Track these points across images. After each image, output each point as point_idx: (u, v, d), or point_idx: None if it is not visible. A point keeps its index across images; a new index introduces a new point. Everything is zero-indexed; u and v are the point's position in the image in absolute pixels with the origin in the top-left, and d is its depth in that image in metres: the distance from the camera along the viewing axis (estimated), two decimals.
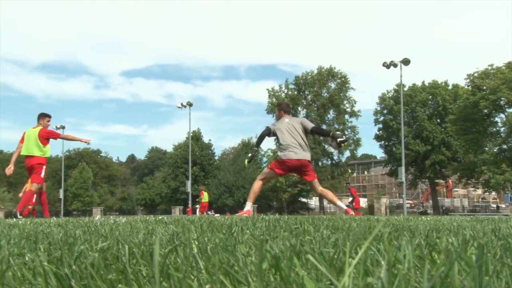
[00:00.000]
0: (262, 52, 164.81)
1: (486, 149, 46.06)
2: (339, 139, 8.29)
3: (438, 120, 53.53)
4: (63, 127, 43.79)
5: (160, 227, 3.17)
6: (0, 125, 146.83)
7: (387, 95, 55.67)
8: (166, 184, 66.88)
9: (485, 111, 44.20)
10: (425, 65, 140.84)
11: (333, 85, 57.39)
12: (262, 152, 60.04)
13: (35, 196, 10.39)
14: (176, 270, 0.94)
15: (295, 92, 58.21)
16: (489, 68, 44.75)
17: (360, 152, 64.80)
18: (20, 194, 17.67)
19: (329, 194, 9.03)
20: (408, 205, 55.67)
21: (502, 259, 1.25)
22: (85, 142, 10.79)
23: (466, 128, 45.29)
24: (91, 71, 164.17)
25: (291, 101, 57.42)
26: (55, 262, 1.24)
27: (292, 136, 8.31)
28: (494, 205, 70.89)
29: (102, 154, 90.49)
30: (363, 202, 69.40)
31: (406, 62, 36.26)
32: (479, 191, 74.75)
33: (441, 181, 61.08)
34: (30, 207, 18.79)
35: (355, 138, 57.24)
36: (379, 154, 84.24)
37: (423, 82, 54.82)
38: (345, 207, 8.63)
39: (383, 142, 56.87)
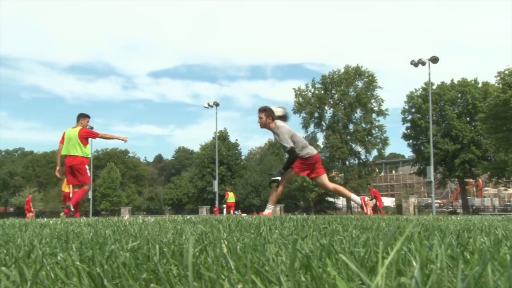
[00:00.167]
0: (289, 52, 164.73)
1: None
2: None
3: (468, 119, 52.81)
4: (91, 128, 44.26)
5: (189, 227, 3.19)
6: (30, 126, 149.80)
7: (415, 94, 55.10)
8: (193, 184, 67.23)
9: None
10: (454, 63, 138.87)
11: (360, 84, 57.11)
12: None
13: (85, 194, 10.58)
14: (207, 270, 0.94)
15: (322, 91, 58.03)
16: None
17: (387, 151, 64.38)
18: (65, 191, 18.01)
19: (342, 188, 8.91)
20: (437, 205, 54.96)
21: None
22: (123, 140, 10.89)
23: (496, 127, 44.56)
24: (119, 72, 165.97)
25: (317, 101, 57.28)
26: (86, 261, 1.26)
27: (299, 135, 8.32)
28: None
29: (130, 154, 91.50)
30: (390, 201, 68.97)
31: (434, 60, 35.82)
32: (510, 190, 73.51)
33: (471, 180, 60.16)
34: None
35: (382, 137, 56.86)
36: (407, 153, 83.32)
37: (452, 80, 54.20)
38: (360, 198, 8.48)
39: (411, 141, 56.29)
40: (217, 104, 47.72)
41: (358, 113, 57.26)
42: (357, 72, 56.64)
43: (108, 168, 71.99)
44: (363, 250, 1.35)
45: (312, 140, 56.39)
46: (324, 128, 58.41)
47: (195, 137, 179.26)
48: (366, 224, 3.37)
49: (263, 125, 8.20)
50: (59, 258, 1.34)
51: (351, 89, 56.99)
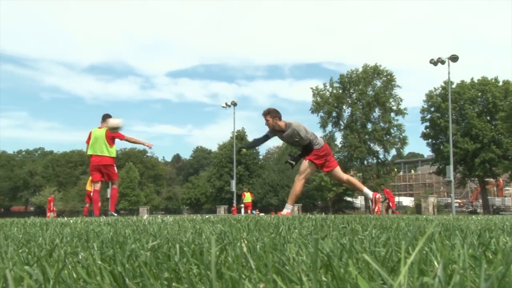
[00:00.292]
0: (306, 51, 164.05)
1: None
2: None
3: (488, 118, 52.26)
4: None
5: (207, 226, 3.19)
6: (50, 127, 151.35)
7: (434, 93, 54.63)
8: (211, 184, 67.45)
9: None
10: (474, 61, 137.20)
11: (378, 83, 56.83)
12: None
13: (95, 193, 10.68)
14: (227, 269, 0.94)
15: (340, 91, 57.82)
16: None
17: (406, 150, 64.03)
18: (88, 189, 18.14)
19: (355, 180, 8.94)
20: (457, 204, 54.47)
21: None
22: (148, 146, 10.99)
23: None
24: (137, 72, 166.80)
25: (335, 100, 57.09)
26: (108, 260, 1.27)
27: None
28: None
29: (148, 154, 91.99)
30: (409, 201, 68.54)
31: (454, 58, 35.52)
32: None
33: (491, 179, 59.52)
34: (87, 205, 19.37)
35: (401, 136, 56.51)
36: (426, 152, 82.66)
37: (472, 79, 53.65)
38: (372, 193, 8.48)
39: (430, 140, 55.83)
40: (235, 104, 47.85)
41: (377, 112, 57.01)
42: (376, 71, 56.35)
43: (127, 168, 72.51)
44: (383, 250, 1.34)
45: (330, 139, 56.22)
46: (342, 127, 58.22)
47: (213, 136, 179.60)
48: (385, 224, 3.35)
49: (272, 127, 8.34)
50: (80, 257, 1.35)
51: (369, 88, 56.73)
